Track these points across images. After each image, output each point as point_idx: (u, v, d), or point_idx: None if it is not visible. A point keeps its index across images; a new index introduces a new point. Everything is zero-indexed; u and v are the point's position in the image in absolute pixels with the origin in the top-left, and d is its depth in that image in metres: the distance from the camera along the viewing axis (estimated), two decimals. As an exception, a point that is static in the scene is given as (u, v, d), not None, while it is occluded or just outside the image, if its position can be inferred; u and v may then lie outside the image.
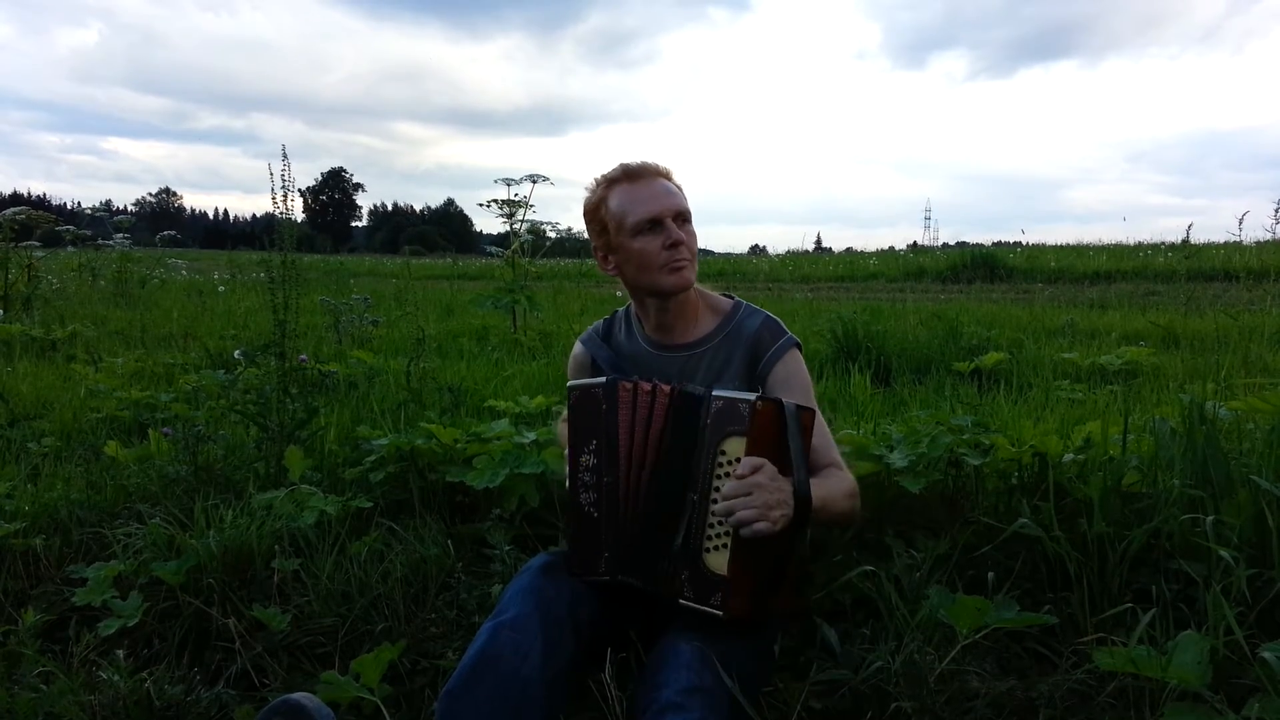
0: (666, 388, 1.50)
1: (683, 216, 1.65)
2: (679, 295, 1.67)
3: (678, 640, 1.35)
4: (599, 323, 1.86)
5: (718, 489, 1.37)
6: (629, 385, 1.51)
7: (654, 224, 1.62)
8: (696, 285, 1.75)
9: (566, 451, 1.58)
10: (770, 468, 1.34)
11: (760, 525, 1.30)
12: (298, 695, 1.35)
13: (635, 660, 1.51)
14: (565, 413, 1.98)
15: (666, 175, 1.69)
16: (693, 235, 1.66)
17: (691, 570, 1.39)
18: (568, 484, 1.55)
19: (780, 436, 1.38)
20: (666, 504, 1.45)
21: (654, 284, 1.65)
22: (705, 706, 1.23)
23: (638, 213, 1.62)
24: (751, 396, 1.36)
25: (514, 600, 1.40)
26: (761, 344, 1.66)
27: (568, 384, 1.59)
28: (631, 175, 1.66)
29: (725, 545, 1.35)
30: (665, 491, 1.46)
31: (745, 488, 1.31)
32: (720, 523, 1.36)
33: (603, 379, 1.54)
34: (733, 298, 1.79)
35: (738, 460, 1.35)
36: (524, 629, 1.33)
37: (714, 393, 1.41)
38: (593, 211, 1.69)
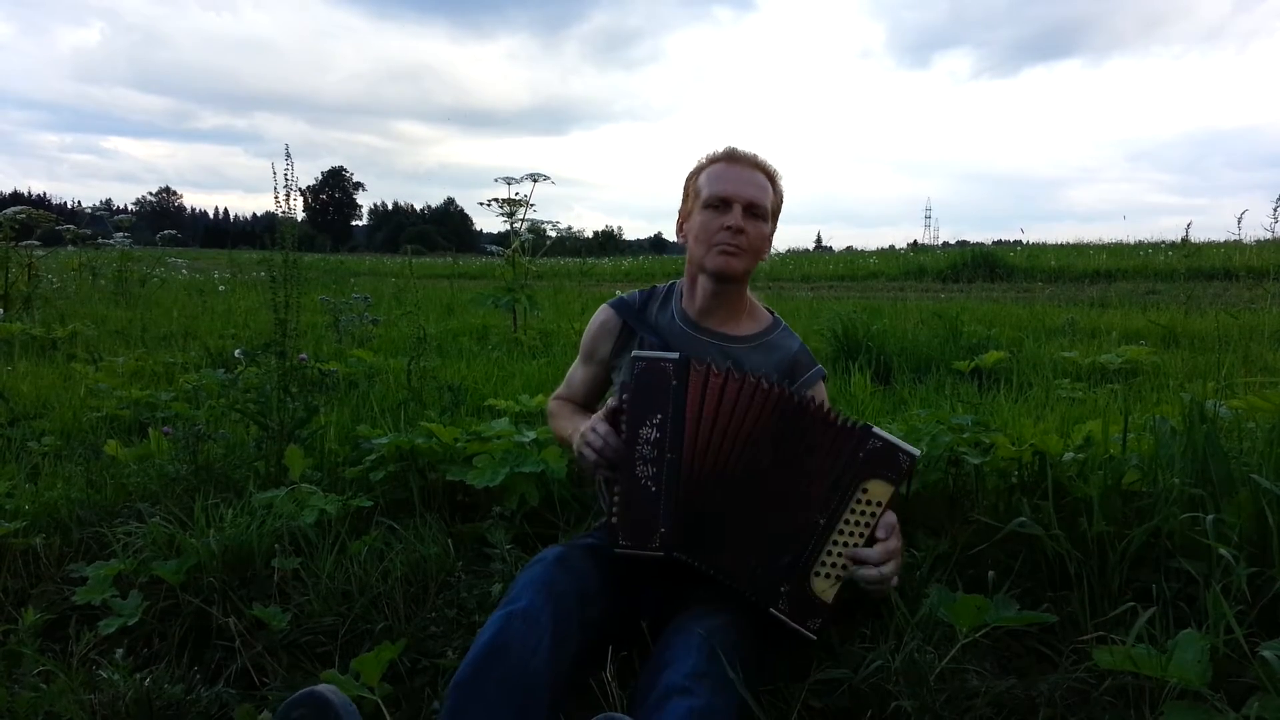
0: (788, 392, 1.52)
1: (757, 210, 1.68)
2: (727, 284, 1.72)
3: (688, 625, 1.36)
4: (634, 293, 1.88)
5: (848, 522, 1.43)
6: (702, 367, 1.51)
7: (724, 202, 1.67)
8: (750, 292, 1.80)
9: (625, 422, 1.51)
10: (899, 533, 1.45)
11: (882, 590, 1.44)
12: (323, 688, 1.32)
13: (638, 658, 1.51)
14: (560, 388, 2.00)
15: (767, 172, 1.74)
16: (760, 234, 1.70)
17: (794, 588, 1.42)
18: (620, 452, 1.51)
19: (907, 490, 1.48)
20: (754, 500, 1.48)
21: (702, 258, 1.71)
22: (712, 691, 1.23)
23: (714, 188, 1.69)
24: (915, 451, 1.42)
25: (526, 590, 1.39)
26: (799, 367, 1.76)
27: (633, 353, 1.56)
28: (732, 157, 1.73)
29: (839, 578, 1.42)
30: (760, 490, 1.48)
31: (889, 553, 1.42)
32: (841, 554, 1.42)
33: (674, 354, 1.52)
34: (773, 314, 1.86)
35: (879, 505, 1.42)
36: (535, 621, 1.33)
37: (875, 431, 1.45)
38: (689, 179, 1.78)
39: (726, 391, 1.50)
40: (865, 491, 1.42)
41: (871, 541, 1.42)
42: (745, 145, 1.77)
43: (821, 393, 1.79)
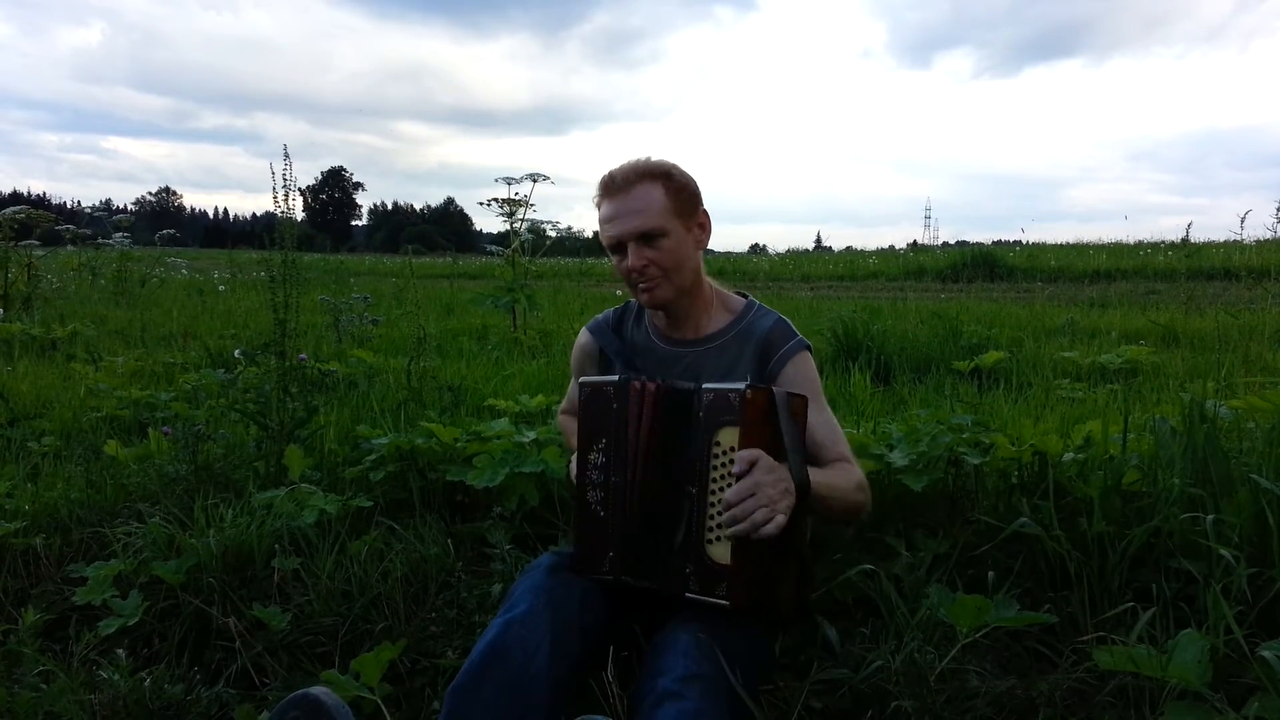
0: (653, 385, 1.50)
1: (650, 234, 1.58)
2: (665, 309, 1.68)
3: (678, 629, 1.36)
4: (609, 312, 1.86)
5: (715, 480, 1.38)
6: (638, 384, 1.50)
7: (617, 246, 1.62)
8: (711, 281, 1.76)
9: (576, 450, 1.57)
10: (767, 458, 1.34)
11: (770, 526, 1.29)
12: (316, 690, 1.32)
13: (637, 659, 1.51)
14: (563, 403, 1.99)
15: (651, 177, 1.60)
16: (668, 249, 1.59)
17: (695, 564, 1.39)
18: (575, 481, 1.54)
19: (772, 423, 1.39)
20: (665, 501, 1.45)
21: (636, 297, 1.67)
22: (703, 695, 1.23)
23: (605, 233, 1.64)
24: (741, 386, 1.37)
25: (524, 597, 1.40)
26: (772, 344, 1.66)
27: (580, 380, 1.58)
28: (607, 189, 1.63)
29: (729, 537, 1.35)
30: (663, 488, 1.46)
31: (749, 488, 1.30)
32: (720, 514, 1.35)
33: (615, 377, 1.53)
34: (746, 297, 1.79)
35: (733, 449, 1.36)
36: (534, 627, 1.34)
37: (704, 386, 1.43)
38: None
39: (645, 401, 1.49)
40: (718, 444, 1.38)
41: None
42: (631, 156, 1.63)
43: (804, 366, 1.66)
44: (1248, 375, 3.34)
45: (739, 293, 1.80)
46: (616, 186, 1.61)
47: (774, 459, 1.35)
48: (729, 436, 1.37)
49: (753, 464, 1.32)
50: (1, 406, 3.29)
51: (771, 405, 1.39)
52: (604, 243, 1.66)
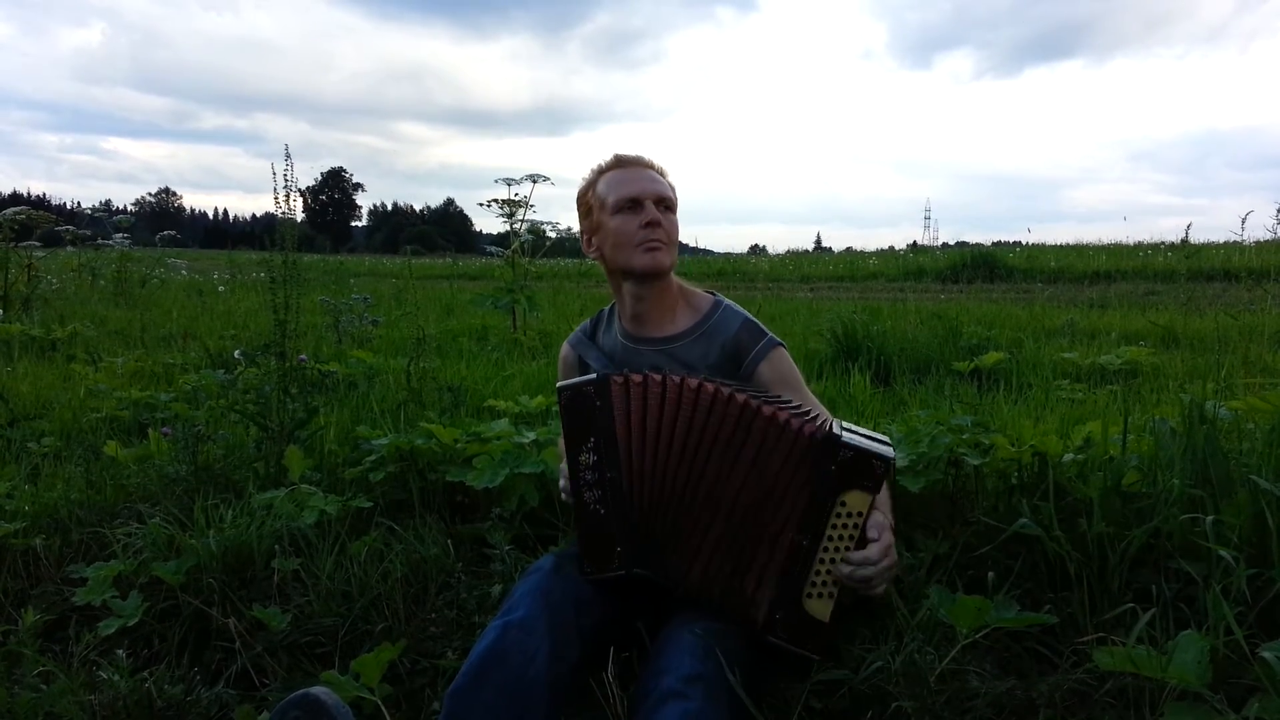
0: (658, 376, 1.48)
1: (665, 204, 1.69)
2: (654, 282, 1.69)
3: (681, 629, 1.36)
4: (586, 323, 1.90)
5: (831, 538, 1.39)
6: (620, 379, 1.49)
7: (634, 203, 1.66)
8: (679, 280, 1.77)
9: (565, 459, 1.58)
10: (889, 534, 1.40)
11: (882, 589, 1.40)
12: (317, 690, 1.32)
13: (638, 659, 1.51)
14: None
15: (658, 169, 1.75)
16: (673, 224, 1.71)
17: (787, 611, 1.40)
18: (569, 485, 1.54)
19: (889, 487, 1.44)
20: (705, 510, 1.45)
21: (628, 263, 1.67)
22: (706, 695, 1.23)
23: (620, 192, 1.68)
24: (889, 454, 1.36)
25: (523, 600, 1.40)
26: (742, 347, 1.69)
27: (557, 385, 1.58)
28: (622, 162, 1.73)
29: (833, 595, 1.39)
30: (694, 489, 1.45)
31: (879, 557, 1.37)
32: (829, 572, 1.38)
33: (592, 375, 1.54)
34: (715, 295, 1.80)
35: (860, 515, 1.37)
36: (532, 630, 1.34)
37: (843, 439, 1.38)
38: (583, 196, 1.76)
39: (649, 395, 1.48)
40: (844, 505, 1.37)
41: (863, 544, 1.39)
42: (633, 149, 1.77)
43: (780, 363, 1.69)
44: (1247, 376, 3.34)
45: (709, 291, 1.82)
46: (635, 161, 1.73)
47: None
48: (859, 501, 1.37)
49: (882, 529, 1.40)
50: (1, 407, 3.29)
51: (894, 470, 1.44)
52: (614, 202, 1.67)
